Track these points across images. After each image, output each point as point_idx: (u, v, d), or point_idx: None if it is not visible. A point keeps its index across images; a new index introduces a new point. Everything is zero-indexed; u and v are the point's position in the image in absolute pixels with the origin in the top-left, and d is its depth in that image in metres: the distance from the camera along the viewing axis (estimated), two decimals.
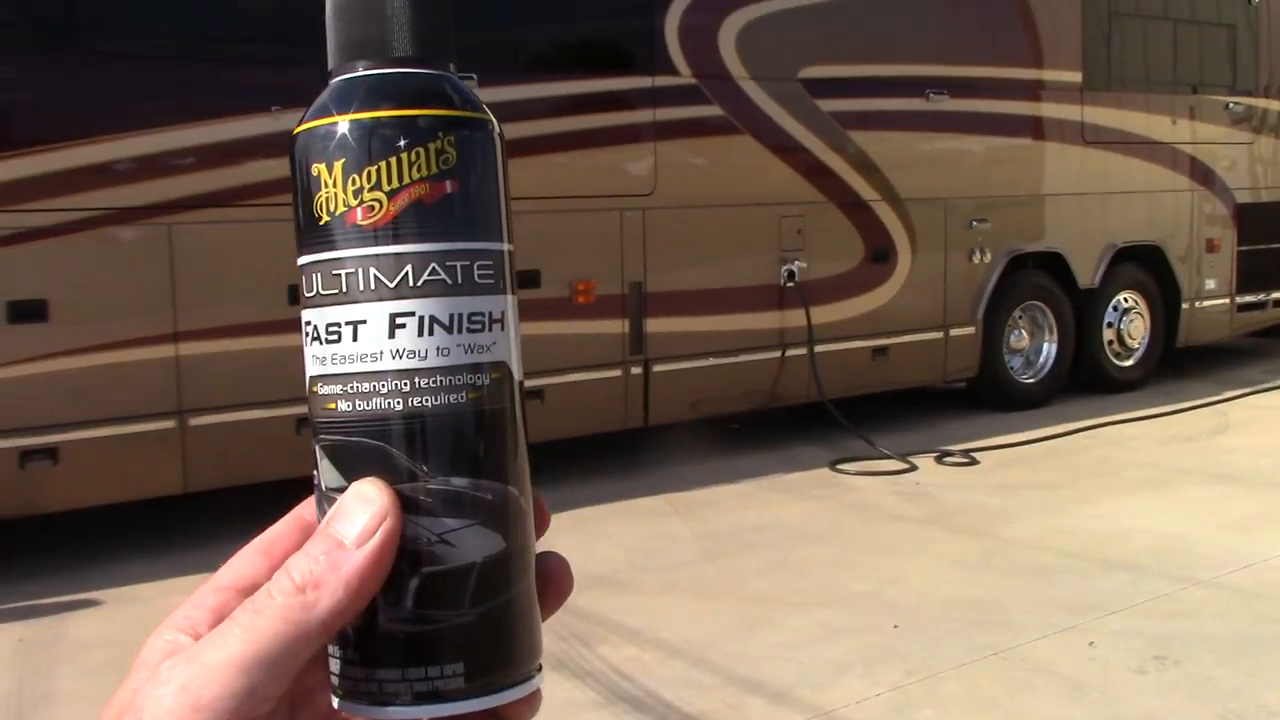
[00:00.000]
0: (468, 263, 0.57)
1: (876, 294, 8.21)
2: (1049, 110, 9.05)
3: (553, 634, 4.73)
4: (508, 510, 0.58)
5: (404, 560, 0.56)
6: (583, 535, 6.08)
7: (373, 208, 0.56)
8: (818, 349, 7.84)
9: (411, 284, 0.57)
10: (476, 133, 0.58)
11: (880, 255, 8.22)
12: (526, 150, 6.76)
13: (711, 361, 7.50)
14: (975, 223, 8.66)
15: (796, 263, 7.76)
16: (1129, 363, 9.78)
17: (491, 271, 0.58)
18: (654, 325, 7.26)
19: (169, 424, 5.81)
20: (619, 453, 7.60)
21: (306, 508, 0.61)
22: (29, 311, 5.47)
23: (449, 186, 0.56)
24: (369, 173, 0.56)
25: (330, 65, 0.59)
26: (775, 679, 4.27)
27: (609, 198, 7.06)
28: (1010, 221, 8.93)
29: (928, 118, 8.37)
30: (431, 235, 0.56)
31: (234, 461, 6.04)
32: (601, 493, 6.80)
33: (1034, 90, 8.94)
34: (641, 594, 5.21)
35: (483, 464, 0.58)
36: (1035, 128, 9.00)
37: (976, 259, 8.69)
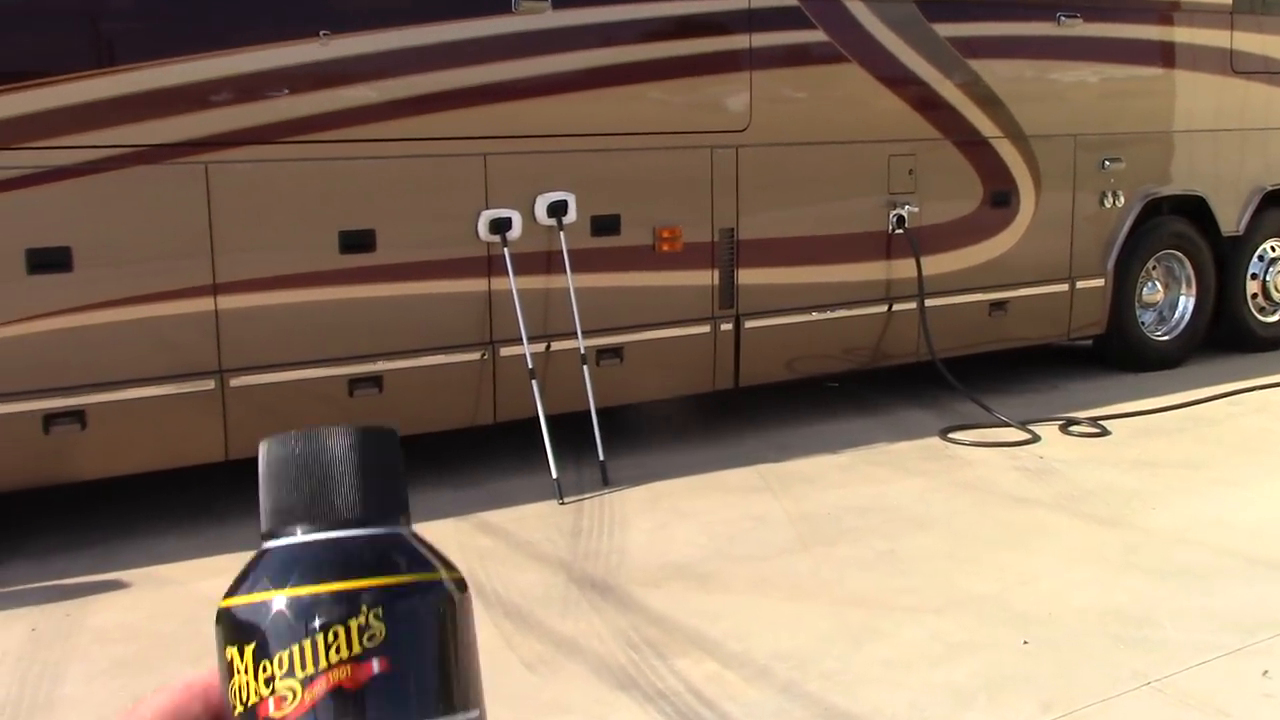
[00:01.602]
0: None
1: (995, 242, 7.38)
2: (1194, 36, 8.06)
3: (623, 641, 4.09)
4: None
5: None
6: (661, 515, 5.44)
7: (285, 698, 0.50)
8: (928, 303, 7.06)
9: None
10: (416, 599, 0.51)
11: (1001, 198, 7.37)
12: (604, 81, 6.05)
13: (811, 317, 6.77)
14: (1108, 162, 7.76)
15: (906, 207, 6.96)
16: (1275, 318, 8.81)
17: None
18: (746, 276, 6.53)
19: (208, 385, 5.27)
20: (705, 416, 6.92)
21: None
22: (50, 261, 4.93)
23: (377, 666, 0.50)
24: (280, 658, 0.50)
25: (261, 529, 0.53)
26: (882, 709, 3.60)
27: (697, 134, 6.32)
28: (1147, 161, 8.00)
29: (1057, 44, 7.46)
30: None
31: (280, 426, 5.46)
32: (684, 463, 6.14)
33: (1177, 13, 7.96)
34: (727, 590, 4.55)
35: None
36: (1177, 56, 8.02)
37: (1108, 203, 7.80)
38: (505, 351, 5.86)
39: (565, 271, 5.92)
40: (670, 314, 6.35)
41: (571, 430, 5.99)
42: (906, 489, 5.78)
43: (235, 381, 5.32)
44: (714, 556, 4.90)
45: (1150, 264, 8.17)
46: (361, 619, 0.50)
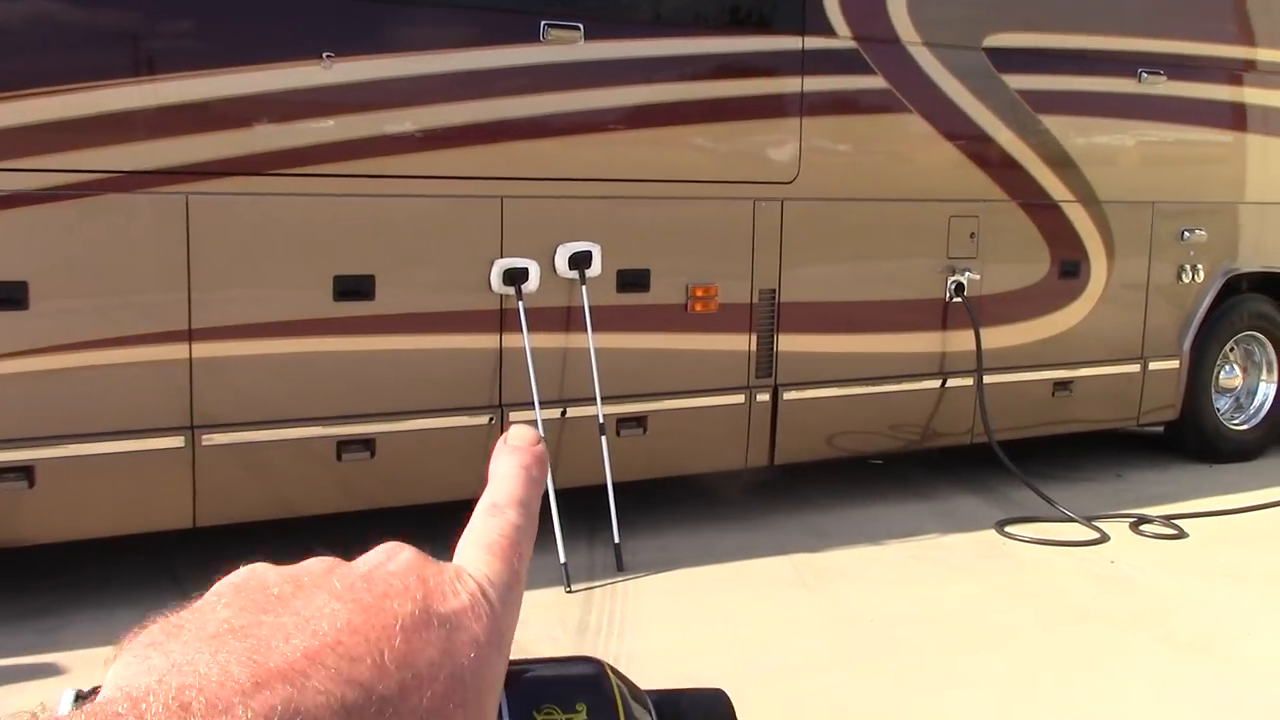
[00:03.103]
0: None
1: (1063, 315, 6.72)
2: None
3: None
4: None
5: None
6: (682, 610, 4.78)
7: None
8: (987, 379, 6.40)
9: None
10: None
11: (1070, 268, 6.72)
12: (638, 121, 5.47)
13: (856, 390, 6.11)
14: (1188, 233, 7.09)
15: (967, 273, 6.32)
16: None
17: None
18: (787, 343, 5.90)
19: (177, 442, 4.67)
20: (735, 494, 6.26)
21: None
22: (3, 297, 4.37)
23: None
24: None
25: None
26: None
27: (740, 184, 5.72)
28: (1228, 233, 7.34)
29: (1139, 102, 6.83)
30: None
31: (257, 491, 4.88)
32: (710, 548, 5.48)
33: (1265, 74, 7.31)
34: (754, 718, 3.89)
35: None
36: (1264, 120, 7.37)
37: (1186, 277, 7.13)
38: (515, 416, 5.23)
39: (586, 330, 5.31)
40: (701, 381, 5.72)
41: (586, 507, 5.36)
42: (959, 594, 5.10)
43: (208, 439, 4.72)
44: (739, 671, 4.23)
45: (1229, 346, 7.48)
46: None
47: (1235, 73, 7.18)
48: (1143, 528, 6.06)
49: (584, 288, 5.32)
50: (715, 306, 5.69)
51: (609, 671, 0.53)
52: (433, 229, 5.08)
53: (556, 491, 5.15)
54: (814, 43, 5.81)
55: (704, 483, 6.08)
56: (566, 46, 5.23)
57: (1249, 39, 7.22)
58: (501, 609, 0.44)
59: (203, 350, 4.68)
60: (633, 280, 5.49)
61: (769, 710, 3.93)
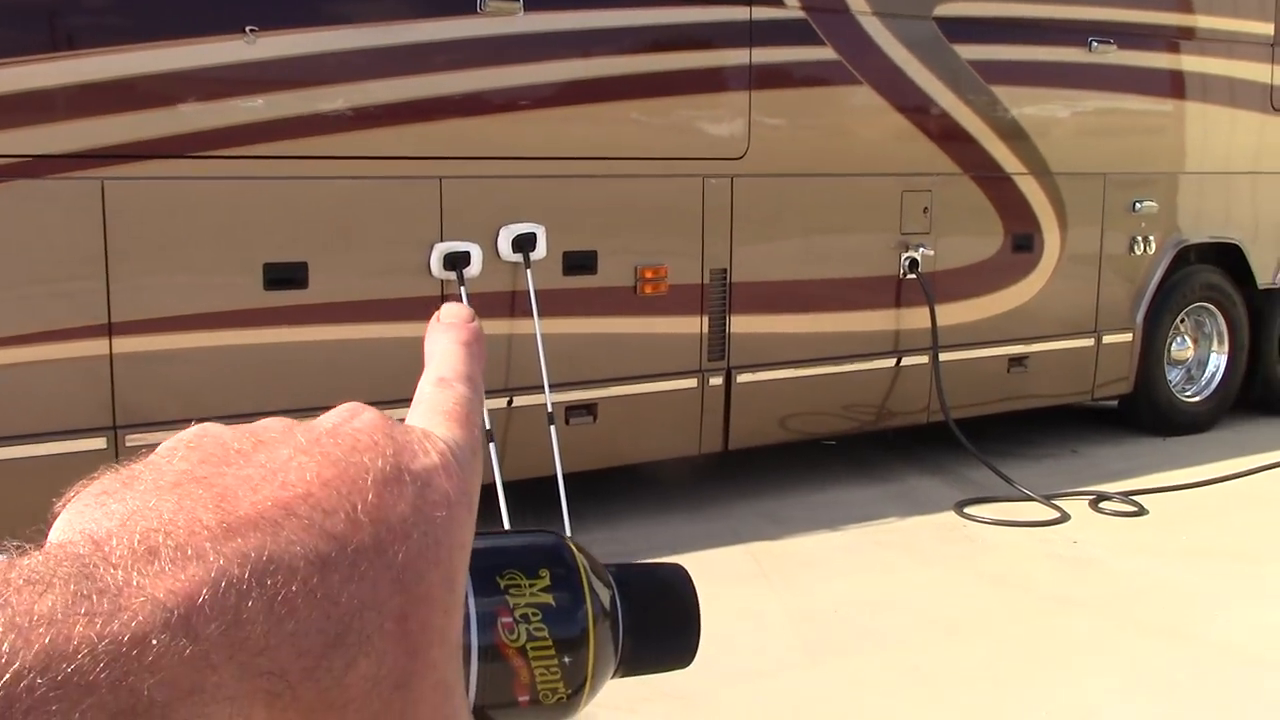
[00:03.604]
0: None
1: (1017, 290, 6.60)
2: (1232, 69, 7.32)
3: None
4: None
5: None
6: None
7: None
8: (942, 357, 6.26)
9: None
10: None
11: (1023, 242, 6.59)
12: (582, 97, 5.23)
13: (810, 371, 5.94)
14: (1139, 204, 6.99)
15: (921, 249, 6.16)
16: None
17: None
18: (740, 324, 5.71)
19: (99, 443, 4.38)
20: (689, 481, 6.07)
21: None
22: None
23: None
24: None
25: None
26: None
27: (688, 160, 5.51)
28: (1179, 204, 7.25)
29: (1089, 72, 6.70)
30: None
31: None
32: (666, 539, 5.29)
33: (1215, 44, 7.22)
34: (719, 718, 3.71)
35: None
36: (1214, 89, 7.28)
37: (1139, 249, 7.03)
38: None
39: (532, 315, 5.07)
40: (652, 366, 5.51)
41: (535, 499, 5.14)
42: (924, 581, 4.95)
43: (132, 439, 4.43)
44: (702, 671, 4.02)
45: (1180, 317, 7.40)
46: None
47: (1185, 41, 7.08)
48: (1102, 505, 5.95)
49: (529, 271, 5.08)
50: (665, 288, 5.49)
51: (569, 542, 0.54)
52: (368, 212, 4.82)
53: (504, 484, 4.94)
54: (762, 13, 5.60)
55: (656, 471, 5.87)
56: (506, 18, 4.97)
57: (1198, 6, 7.11)
58: (467, 471, 0.43)
59: (124, 345, 4.39)
60: (579, 262, 5.27)
61: (738, 711, 3.76)
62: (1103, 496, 6.03)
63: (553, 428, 5.13)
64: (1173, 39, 7.03)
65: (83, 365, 4.34)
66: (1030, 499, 5.91)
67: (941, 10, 6.14)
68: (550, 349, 5.10)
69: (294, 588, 0.35)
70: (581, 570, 0.52)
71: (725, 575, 4.93)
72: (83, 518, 0.37)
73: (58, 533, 0.38)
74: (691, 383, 5.63)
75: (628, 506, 5.65)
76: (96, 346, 4.35)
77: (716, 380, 5.69)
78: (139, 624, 0.32)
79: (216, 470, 0.38)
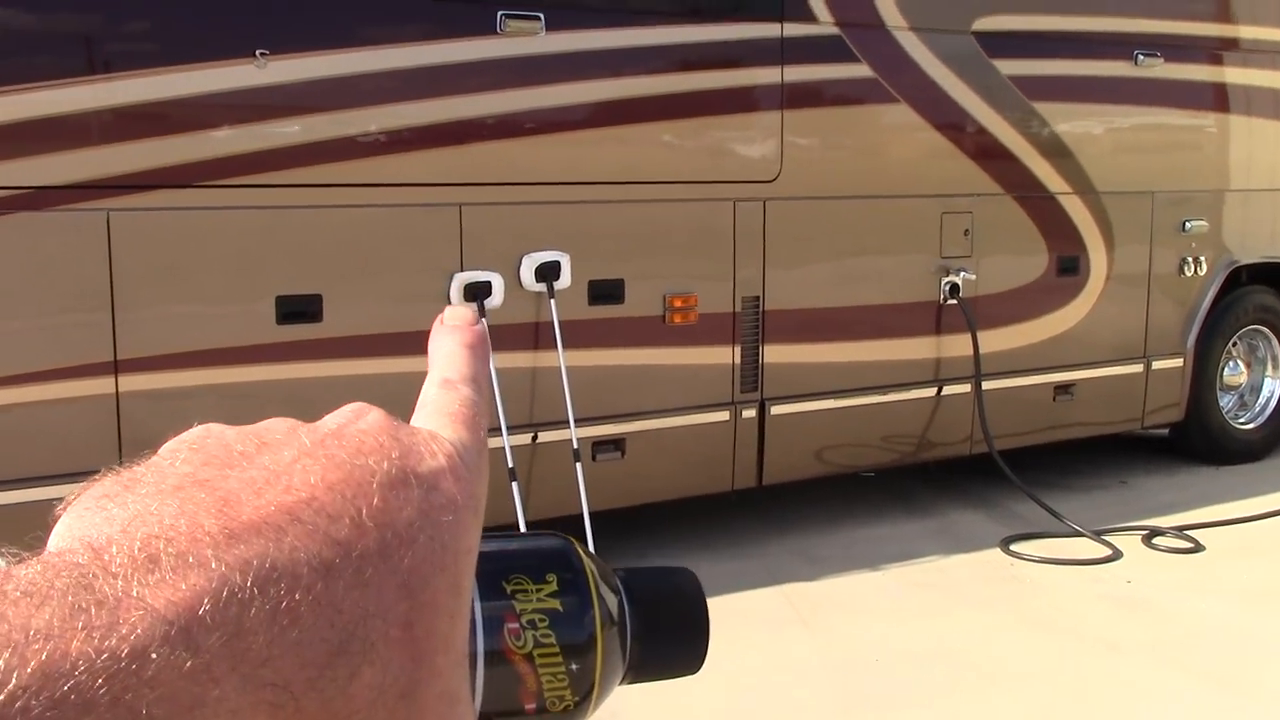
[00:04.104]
0: None
1: (1062, 314, 6.33)
2: None
3: None
4: None
5: None
6: None
7: None
8: (984, 385, 6.00)
9: None
10: None
11: (1069, 264, 6.33)
12: (606, 119, 5.04)
13: (847, 402, 5.70)
14: (1189, 224, 6.72)
15: (961, 273, 5.92)
16: None
17: None
18: (773, 354, 5.48)
19: None
20: (721, 517, 5.84)
21: None
22: None
23: None
24: None
25: None
26: None
27: (719, 184, 5.29)
28: (1231, 222, 6.98)
29: (1135, 86, 6.44)
30: None
31: None
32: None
33: (1265, 55, 6.94)
34: None
35: None
36: (1265, 102, 7.00)
37: (1189, 270, 6.75)
38: None
39: (556, 347, 4.86)
40: (682, 398, 5.29)
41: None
42: (969, 625, 4.70)
43: None
44: None
45: (1232, 341, 7.11)
46: None
47: (1235, 53, 6.81)
48: (1155, 541, 5.67)
49: (553, 301, 4.88)
50: (695, 317, 5.27)
51: (577, 546, 0.53)
52: (384, 242, 4.63)
53: (528, 523, 4.73)
54: (793, 30, 5.39)
55: (687, 507, 5.65)
56: (526, 38, 4.78)
57: (1247, 18, 6.85)
58: (474, 475, 0.42)
59: (131, 383, 4.21)
60: (605, 292, 5.06)
61: None
62: (1156, 532, 5.75)
63: (578, 464, 4.91)
64: (1221, 51, 6.77)
65: (87, 404, 4.16)
66: (1080, 535, 5.64)
67: (981, 24, 5.90)
68: (575, 382, 4.89)
69: (297, 595, 0.35)
70: (589, 574, 0.52)
71: (760, 619, 4.70)
72: (83, 523, 0.37)
73: (57, 539, 0.37)
74: (723, 416, 5.40)
75: (657, 546, 5.43)
76: (102, 385, 4.18)
77: (750, 413, 5.46)
78: (138, 637, 0.32)
79: (220, 473, 0.38)
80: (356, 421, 0.41)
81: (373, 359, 4.60)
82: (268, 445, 0.39)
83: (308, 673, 0.34)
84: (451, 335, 0.49)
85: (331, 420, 0.42)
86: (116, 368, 4.19)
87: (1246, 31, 6.87)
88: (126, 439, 4.22)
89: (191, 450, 0.39)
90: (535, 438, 4.93)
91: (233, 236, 4.36)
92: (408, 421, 0.43)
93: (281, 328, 4.45)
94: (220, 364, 4.37)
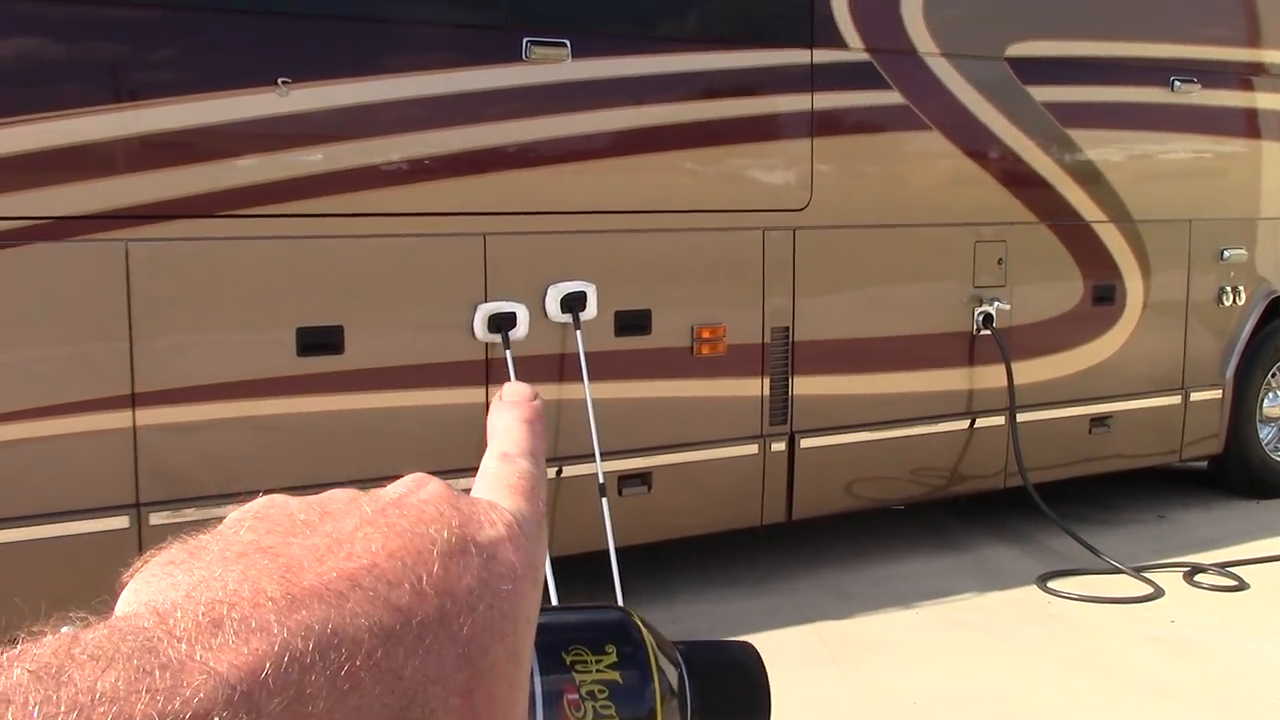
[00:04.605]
0: None
1: (1098, 345, 6.20)
2: None
3: None
4: None
5: None
6: None
7: None
8: (1019, 417, 5.86)
9: None
10: None
11: (1104, 294, 6.20)
12: (633, 147, 4.95)
13: (879, 435, 5.57)
14: (1228, 252, 6.58)
15: (995, 303, 5.80)
16: None
17: None
18: (803, 386, 5.37)
19: (121, 522, 4.11)
20: (749, 552, 5.71)
21: None
22: None
23: None
24: None
25: None
26: None
27: (747, 213, 5.20)
28: (1270, 251, 6.84)
29: (1171, 113, 6.32)
30: None
31: None
32: (725, 617, 4.93)
33: None
34: None
35: None
36: None
37: (1228, 300, 6.61)
38: None
39: (582, 379, 4.77)
40: (710, 431, 5.18)
41: (585, 574, 4.81)
42: (1006, 666, 4.55)
43: (157, 518, 4.17)
44: None
45: (1272, 372, 6.96)
46: None
47: (1271, 79, 6.68)
48: (1198, 578, 5.51)
49: (578, 332, 4.78)
50: (723, 348, 5.16)
51: (636, 618, 0.52)
52: (408, 272, 4.54)
53: (553, 559, 4.61)
54: (823, 56, 5.30)
55: (715, 542, 5.52)
56: (552, 65, 4.70)
57: None
58: (533, 544, 0.43)
59: (148, 417, 4.13)
60: (632, 322, 4.96)
61: None
62: (1198, 569, 5.59)
63: (604, 499, 4.80)
64: (1258, 76, 6.65)
65: (104, 439, 4.08)
66: (1119, 571, 5.49)
67: (1014, 51, 5.80)
68: (601, 415, 4.79)
69: (358, 661, 0.35)
70: (649, 647, 0.52)
71: (791, 659, 4.56)
72: (149, 589, 0.37)
73: (124, 604, 0.38)
74: (752, 449, 5.29)
75: (685, 582, 5.30)
76: (119, 419, 4.09)
77: (779, 446, 5.35)
78: (200, 701, 0.32)
79: (283, 540, 0.38)
80: (417, 491, 0.42)
81: (395, 391, 4.51)
82: (330, 514, 0.40)
83: None
84: (510, 410, 0.50)
85: (392, 490, 0.43)
86: (134, 400, 4.11)
87: None
88: (144, 473, 4.13)
89: (255, 519, 0.41)
90: (560, 471, 4.82)
91: (253, 267, 4.28)
92: (466, 492, 0.44)
93: (302, 359, 4.36)
94: (240, 397, 4.28)
